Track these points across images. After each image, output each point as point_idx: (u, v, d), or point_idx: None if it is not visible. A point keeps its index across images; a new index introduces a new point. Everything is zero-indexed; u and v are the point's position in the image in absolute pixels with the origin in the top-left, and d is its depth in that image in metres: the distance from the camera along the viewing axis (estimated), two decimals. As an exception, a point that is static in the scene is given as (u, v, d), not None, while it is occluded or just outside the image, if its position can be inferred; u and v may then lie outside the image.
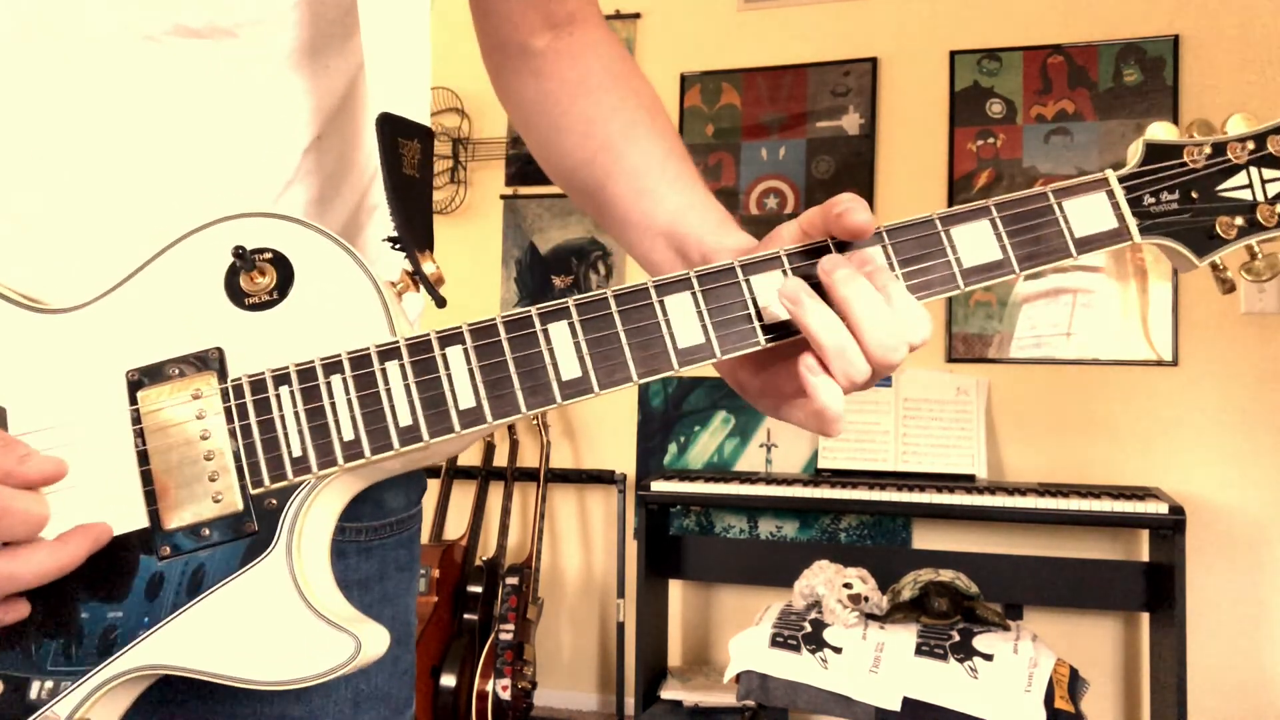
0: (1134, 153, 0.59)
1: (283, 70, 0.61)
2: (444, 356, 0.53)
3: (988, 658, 2.21)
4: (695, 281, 0.54)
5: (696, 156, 3.41)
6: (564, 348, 0.53)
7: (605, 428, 3.44)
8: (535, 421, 3.29)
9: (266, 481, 0.53)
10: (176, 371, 0.54)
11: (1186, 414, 2.95)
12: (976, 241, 0.56)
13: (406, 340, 0.53)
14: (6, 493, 0.49)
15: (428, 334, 0.53)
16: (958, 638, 2.29)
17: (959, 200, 3.16)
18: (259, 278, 0.54)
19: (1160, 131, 0.59)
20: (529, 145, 0.76)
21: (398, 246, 0.57)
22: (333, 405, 0.53)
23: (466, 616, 3.09)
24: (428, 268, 0.57)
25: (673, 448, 3.37)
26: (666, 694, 3.04)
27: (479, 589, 3.11)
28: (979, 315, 3.12)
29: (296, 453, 0.53)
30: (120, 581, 0.53)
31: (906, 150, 3.23)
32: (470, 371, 0.53)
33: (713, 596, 3.36)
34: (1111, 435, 3.01)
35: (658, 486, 2.94)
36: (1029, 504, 2.64)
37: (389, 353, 0.53)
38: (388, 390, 0.53)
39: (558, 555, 3.49)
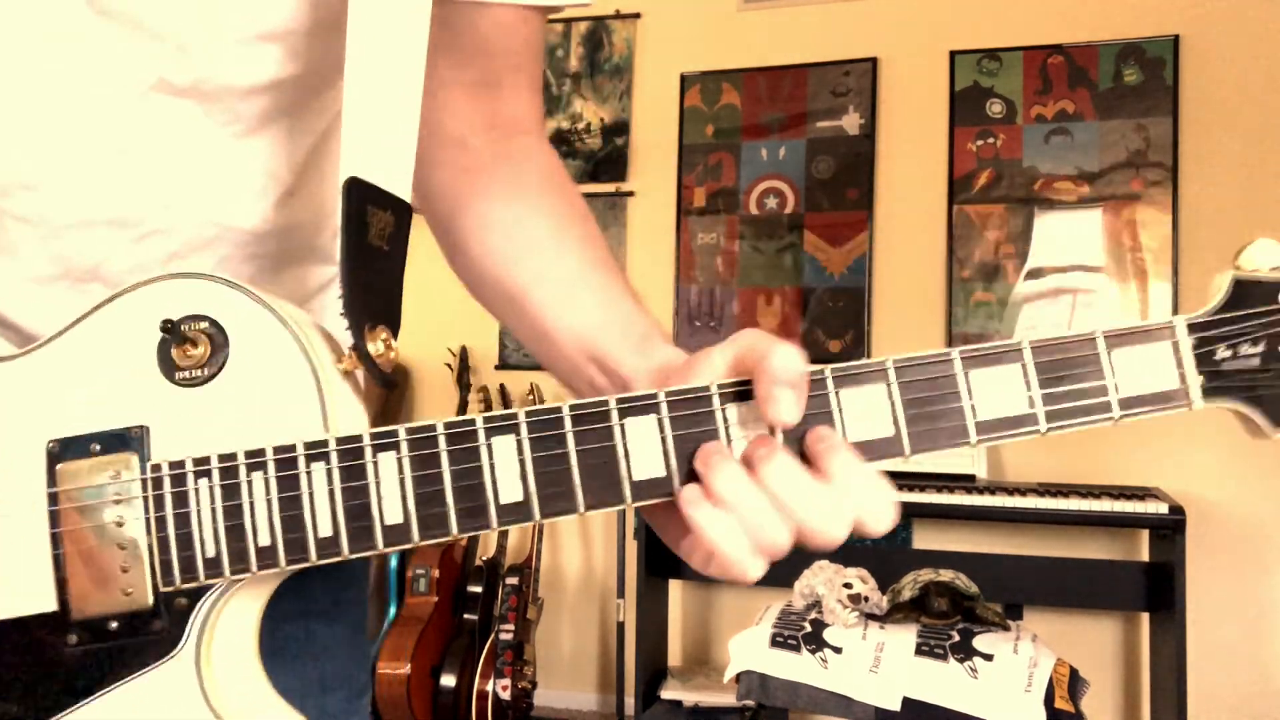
0: (1217, 289, 0.47)
1: (260, 129, 0.60)
2: (375, 464, 0.49)
3: (988, 658, 2.21)
4: (665, 406, 0.48)
5: (696, 156, 3.42)
6: (507, 466, 0.48)
7: (605, 428, 3.44)
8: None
9: (177, 580, 0.50)
10: (98, 448, 0.51)
11: (1186, 414, 2.94)
12: (1000, 389, 0.47)
13: (338, 442, 0.49)
14: None
15: (361, 436, 0.49)
16: (958, 638, 2.29)
17: (958, 201, 3.16)
18: (192, 349, 0.51)
19: (1259, 256, 0.46)
20: (444, 244, 0.71)
21: (345, 320, 0.53)
22: (252, 506, 0.49)
23: (466, 616, 3.09)
24: (374, 347, 0.52)
25: (673, 448, 3.37)
26: (666, 694, 3.05)
27: (479, 589, 3.11)
28: (979, 315, 3.12)
29: (210, 553, 0.49)
30: (26, 665, 0.51)
31: (906, 150, 3.23)
32: (401, 482, 0.48)
33: (713, 596, 3.36)
34: (1111, 435, 3.01)
35: (658, 486, 2.93)
36: (1029, 504, 2.64)
37: (317, 454, 0.49)
38: (311, 495, 0.49)
39: (558, 555, 3.49)
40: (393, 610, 3.10)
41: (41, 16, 0.55)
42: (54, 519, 0.51)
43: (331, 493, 0.49)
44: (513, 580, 3.10)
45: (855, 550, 3.13)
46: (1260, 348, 0.46)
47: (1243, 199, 2.94)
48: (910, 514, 3.00)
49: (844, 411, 0.48)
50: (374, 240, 0.55)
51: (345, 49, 0.56)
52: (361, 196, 0.55)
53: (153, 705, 0.50)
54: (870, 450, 0.47)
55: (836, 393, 0.48)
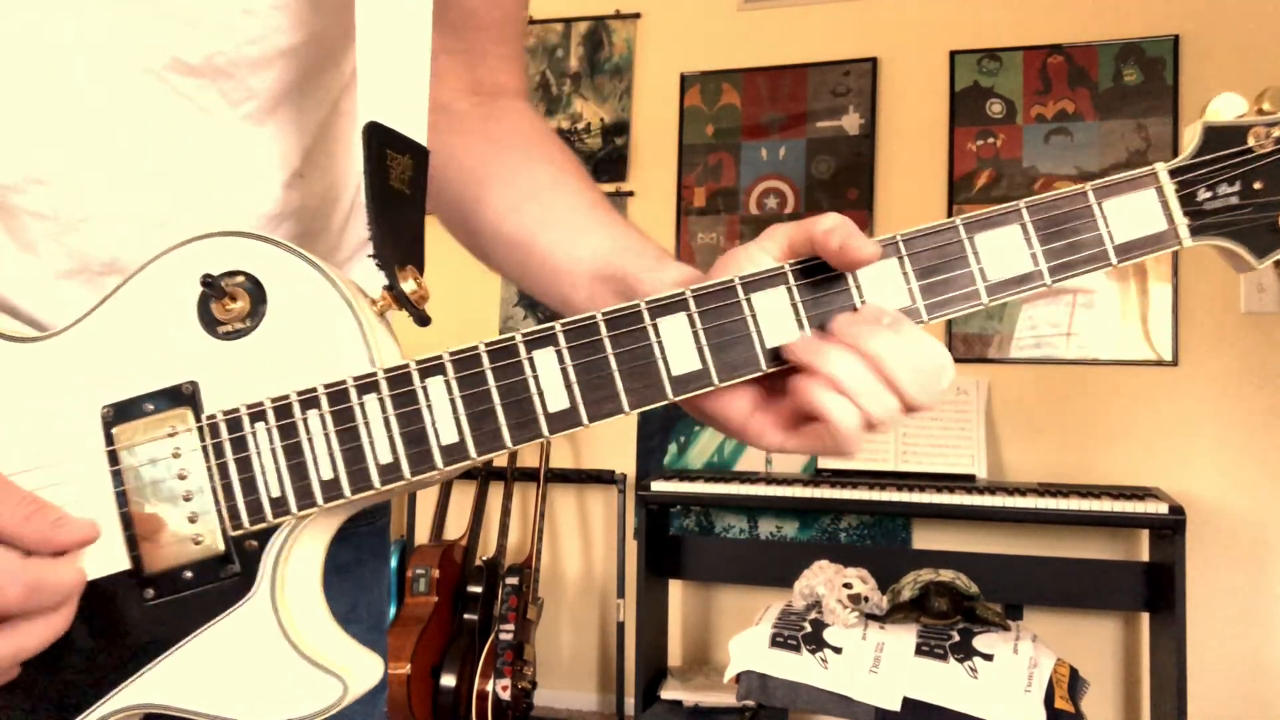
0: (1190, 138, 0.51)
1: (273, 107, 0.61)
2: (425, 389, 0.50)
3: (988, 658, 2.21)
4: (692, 302, 0.50)
5: (696, 156, 3.42)
6: (551, 377, 0.50)
7: (605, 428, 3.43)
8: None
9: (246, 523, 0.52)
10: (151, 408, 0.52)
11: (1186, 414, 2.95)
12: (1004, 249, 0.50)
13: (386, 372, 0.51)
14: (41, 565, 0.49)
15: (407, 364, 0.51)
16: (958, 638, 2.29)
17: (959, 201, 3.16)
18: (231, 304, 0.52)
19: (1224, 108, 0.51)
20: (439, 206, 0.71)
21: (376, 261, 0.55)
22: (310, 443, 0.51)
23: (466, 616, 3.09)
24: (408, 285, 0.54)
25: (673, 448, 3.37)
26: (666, 694, 3.04)
27: (479, 589, 3.11)
28: (979, 315, 3.12)
29: (275, 493, 0.51)
30: (108, 625, 0.52)
31: (906, 150, 3.23)
32: (452, 404, 0.50)
33: (713, 596, 3.36)
34: (1111, 435, 3.01)
35: (658, 486, 2.94)
36: (1029, 504, 2.64)
37: (367, 386, 0.51)
38: (367, 426, 0.50)
39: (558, 555, 3.49)
40: (393, 610, 3.10)
41: (48, 6, 0.55)
42: (117, 479, 0.53)
43: (386, 421, 0.50)
44: (513, 580, 3.09)
45: (855, 550, 3.13)
46: (1236, 186, 0.50)
47: (1243, 199, 2.94)
48: (910, 514, 3.00)
49: (862, 287, 0.51)
50: (395, 184, 0.57)
51: (349, 15, 0.58)
52: (381, 141, 0.56)
53: (235, 646, 0.52)
54: None
55: (854, 271, 0.50)
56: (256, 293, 0.52)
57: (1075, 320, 3.04)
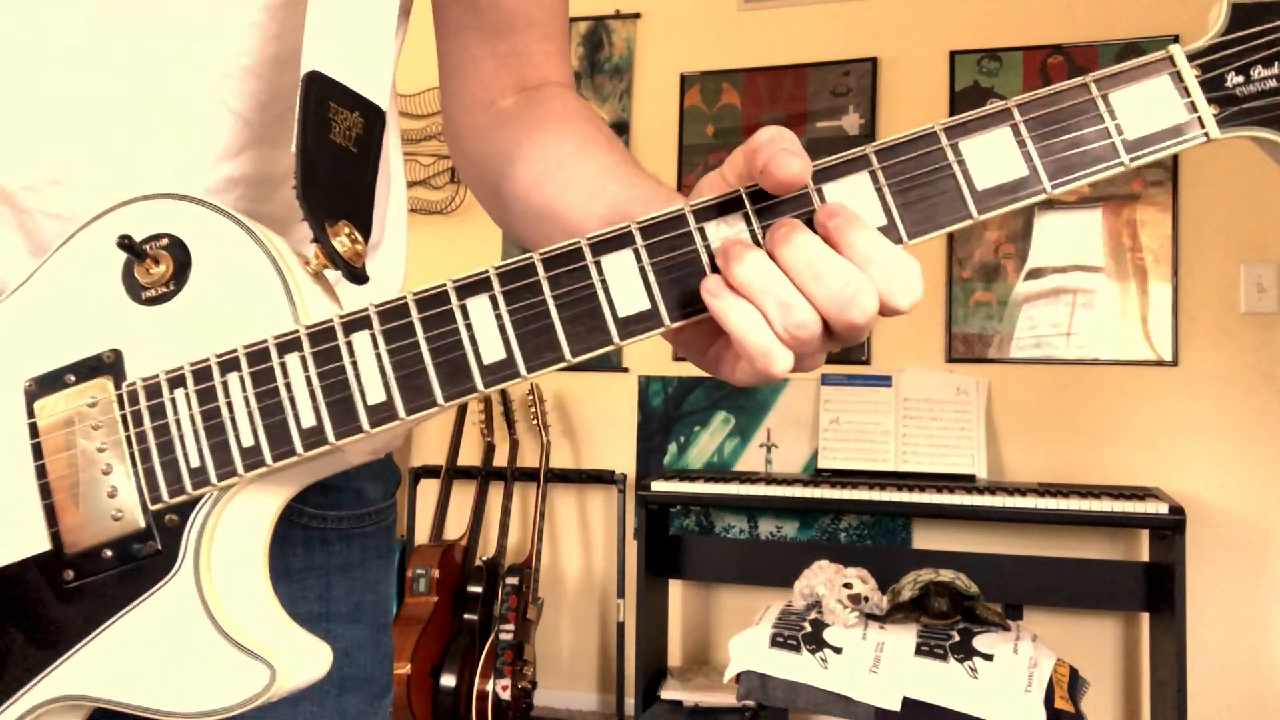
0: (1216, 17, 0.44)
1: (287, 110, 0.60)
2: (349, 344, 0.47)
3: (988, 658, 2.21)
4: (638, 235, 0.46)
5: (696, 156, 3.41)
6: (485, 326, 0.46)
7: (605, 428, 3.44)
8: (535, 421, 3.29)
9: (165, 496, 0.49)
10: (72, 379, 0.50)
11: (1186, 414, 2.95)
12: (993, 154, 0.44)
13: (308, 329, 0.48)
14: None
15: (330, 320, 0.48)
16: (958, 638, 2.29)
17: (959, 200, 3.16)
18: (154, 267, 0.50)
19: None
20: (487, 204, 0.71)
21: (303, 214, 0.51)
22: (230, 408, 0.48)
23: (466, 616, 3.09)
24: (339, 243, 0.51)
25: (673, 448, 3.37)
26: (666, 694, 3.04)
27: (479, 589, 3.11)
28: (979, 315, 3.12)
29: (194, 463, 0.49)
30: (27, 609, 0.50)
31: (906, 150, 3.23)
32: (379, 359, 0.47)
33: (713, 596, 3.36)
34: (1111, 435, 3.01)
35: (658, 486, 2.94)
36: (1029, 504, 2.64)
37: (288, 344, 0.48)
38: (288, 387, 0.47)
39: (558, 555, 3.49)
40: (393, 610, 3.10)
41: (61, 6, 0.54)
42: (37, 453, 0.51)
43: (309, 381, 0.47)
44: (513, 580, 3.10)
45: (855, 550, 3.13)
46: (1275, 69, 0.43)
47: (1243, 198, 2.94)
48: (910, 514, 3.00)
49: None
50: (337, 138, 0.54)
51: None
52: (322, 92, 0.53)
53: (158, 630, 0.49)
54: None
55: (819, 189, 0.45)
56: (181, 255, 0.50)
57: (1075, 320, 3.04)
